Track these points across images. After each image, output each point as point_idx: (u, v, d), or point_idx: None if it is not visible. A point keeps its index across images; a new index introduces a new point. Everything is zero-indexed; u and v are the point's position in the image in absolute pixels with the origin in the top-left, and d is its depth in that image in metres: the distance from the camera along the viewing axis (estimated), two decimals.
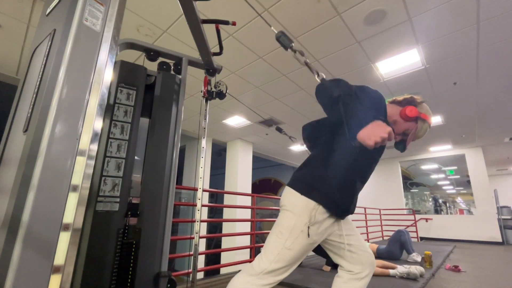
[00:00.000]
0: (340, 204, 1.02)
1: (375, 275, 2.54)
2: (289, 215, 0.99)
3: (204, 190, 2.11)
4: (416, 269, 2.46)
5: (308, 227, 0.95)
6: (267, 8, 2.49)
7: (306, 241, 0.96)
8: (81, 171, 0.70)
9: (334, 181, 1.01)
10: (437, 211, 9.17)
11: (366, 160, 1.08)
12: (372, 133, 0.75)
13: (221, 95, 1.89)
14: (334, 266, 2.83)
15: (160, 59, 1.69)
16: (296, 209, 0.98)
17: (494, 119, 5.21)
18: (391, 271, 2.55)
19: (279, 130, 1.63)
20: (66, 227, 0.65)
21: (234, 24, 1.52)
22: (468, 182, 7.27)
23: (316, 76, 0.86)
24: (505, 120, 5.24)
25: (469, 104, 4.53)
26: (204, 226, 5.60)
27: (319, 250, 2.86)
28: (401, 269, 2.53)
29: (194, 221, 1.79)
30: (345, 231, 1.09)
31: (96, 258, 1.14)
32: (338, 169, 1.02)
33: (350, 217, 1.16)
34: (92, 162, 0.74)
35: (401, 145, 1.16)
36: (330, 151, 1.05)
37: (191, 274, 1.75)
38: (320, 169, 1.04)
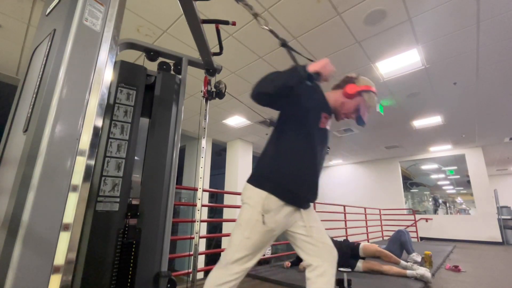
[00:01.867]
0: (296, 192, 1.06)
1: (391, 275, 2.51)
2: (246, 207, 1.06)
3: (204, 190, 2.11)
4: (426, 272, 2.43)
5: (263, 215, 1.01)
6: (267, 8, 2.49)
7: (262, 229, 1.01)
8: (81, 171, 0.70)
9: (286, 170, 1.06)
10: (436, 211, 9.17)
11: (317, 146, 1.13)
12: (320, 63, 0.99)
13: (220, 94, 1.89)
14: None
15: (160, 59, 1.69)
16: (251, 201, 1.05)
17: (494, 119, 5.20)
18: (408, 272, 2.50)
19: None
20: (66, 227, 0.65)
21: (234, 24, 1.53)
22: (468, 182, 7.26)
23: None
24: (505, 120, 5.24)
25: (469, 104, 4.53)
26: (204, 226, 5.60)
27: None
28: (419, 270, 2.47)
29: (194, 221, 1.79)
30: (308, 222, 1.11)
31: (96, 258, 1.14)
32: (289, 158, 1.08)
33: (313, 208, 1.18)
34: (92, 162, 0.74)
35: (360, 120, 1.23)
36: (280, 142, 1.12)
37: (191, 274, 1.75)
38: (272, 160, 1.09)
